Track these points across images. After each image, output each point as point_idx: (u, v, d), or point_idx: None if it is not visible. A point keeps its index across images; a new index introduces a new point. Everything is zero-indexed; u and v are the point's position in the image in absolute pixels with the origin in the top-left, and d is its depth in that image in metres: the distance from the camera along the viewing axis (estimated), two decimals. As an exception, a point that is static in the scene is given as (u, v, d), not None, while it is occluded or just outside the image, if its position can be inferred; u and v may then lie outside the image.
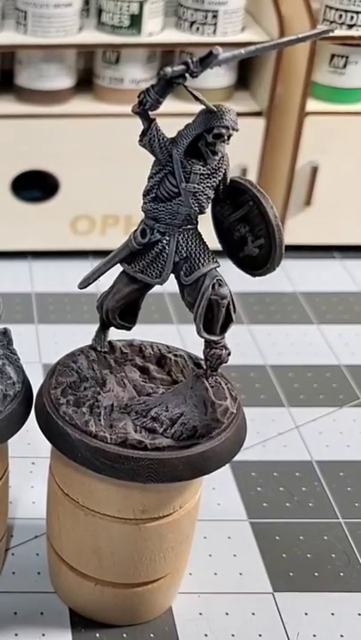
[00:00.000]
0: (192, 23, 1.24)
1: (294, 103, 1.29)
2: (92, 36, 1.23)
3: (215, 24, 1.23)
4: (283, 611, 0.83)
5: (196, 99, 0.61)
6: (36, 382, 1.07)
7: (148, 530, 0.73)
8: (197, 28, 1.24)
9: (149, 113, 0.63)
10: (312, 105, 1.29)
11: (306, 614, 0.82)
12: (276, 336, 1.23)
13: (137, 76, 1.26)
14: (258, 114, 1.29)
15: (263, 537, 0.91)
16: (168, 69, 0.58)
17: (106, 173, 1.28)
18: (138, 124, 1.31)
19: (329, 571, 0.87)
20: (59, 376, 0.74)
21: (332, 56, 1.29)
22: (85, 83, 1.30)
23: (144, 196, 0.67)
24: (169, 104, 1.29)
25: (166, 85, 0.60)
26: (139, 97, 0.62)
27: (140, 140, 0.64)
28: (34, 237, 1.32)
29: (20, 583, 0.83)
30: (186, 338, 1.18)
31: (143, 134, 0.64)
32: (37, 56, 1.23)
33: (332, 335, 1.24)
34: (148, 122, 0.63)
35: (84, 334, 1.21)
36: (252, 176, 1.31)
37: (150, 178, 0.66)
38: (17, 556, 0.86)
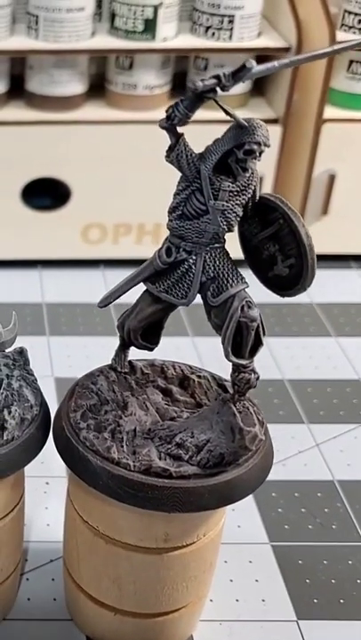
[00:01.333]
0: (208, 28, 1.21)
1: (311, 110, 1.26)
2: (106, 41, 1.20)
3: (231, 29, 1.20)
4: (307, 640, 0.80)
5: (227, 113, 0.58)
6: (49, 397, 1.04)
7: (170, 559, 0.70)
8: (213, 34, 1.21)
9: (177, 128, 0.59)
10: (330, 112, 1.26)
11: (331, 644, 0.80)
12: (294, 349, 1.20)
13: (151, 81, 1.23)
14: (274, 121, 1.27)
15: (285, 561, 0.88)
16: (199, 83, 0.55)
17: (118, 181, 1.25)
18: (152, 132, 1.28)
19: (355, 597, 0.84)
20: (78, 398, 0.71)
21: (351, 62, 1.26)
22: (97, 88, 1.27)
23: (170, 213, 0.64)
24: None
25: (196, 100, 0.57)
26: (167, 111, 0.59)
27: (167, 156, 0.61)
28: (44, 246, 1.29)
29: (36, 610, 0.81)
30: (202, 351, 1.15)
31: (170, 150, 0.61)
32: (49, 61, 1.20)
33: (351, 348, 1.21)
34: (176, 137, 0.60)
35: (96, 347, 1.20)
36: (268, 184, 1.28)
37: (177, 194, 0.63)
38: (32, 582, 0.83)
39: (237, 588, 0.85)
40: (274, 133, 1.26)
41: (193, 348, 1.17)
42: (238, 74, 0.55)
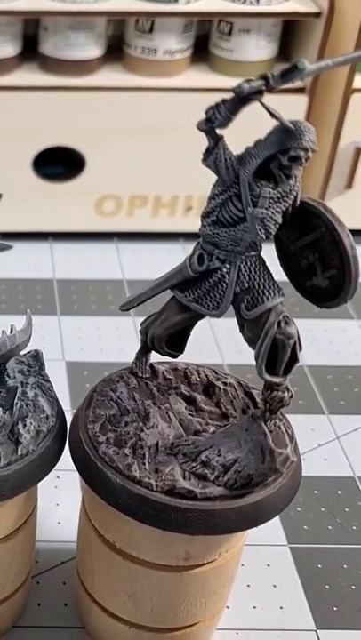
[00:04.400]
0: (233, -10, 1.14)
1: (340, 79, 1.19)
2: (125, 3, 1.13)
3: (258, -8, 1.13)
4: (327, 651, 0.77)
5: (273, 115, 0.53)
6: (60, 382, 1.01)
7: (190, 576, 0.67)
8: (239, -4, 1.14)
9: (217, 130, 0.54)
10: (360, 81, 1.20)
11: (352, 657, 0.77)
12: (315, 332, 1.15)
13: (172, 46, 1.17)
14: (300, 90, 1.20)
15: (304, 565, 0.85)
16: (245, 86, 0.50)
17: (135, 151, 1.20)
18: (172, 99, 1.22)
19: (376, 606, 0.81)
20: (97, 407, 0.66)
21: (384, 28, 1.19)
22: (114, 51, 1.21)
23: (203, 217, 0.59)
24: (204, 78, 1.21)
25: (240, 102, 0.52)
26: (207, 113, 0.53)
27: (205, 160, 0.56)
28: (56, 218, 1.24)
29: (47, 617, 0.77)
30: (218, 335, 1.11)
31: (208, 153, 0.56)
32: (65, 23, 1.13)
33: (373, 331, 1.17)
34: (215, 140, 0.55)
35: (109, 328, 1.15)
36: (291, 157, 1.22)
37: (211, 199, 0.58)
38: (42, 585, 0.80)
39: (255, 593, 0.82)
40: (300, 103, 1.20)
41: (209, 329, 1.12)
42: (288, 75, 0.50)
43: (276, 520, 0.89)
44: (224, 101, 0.53)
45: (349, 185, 1.26)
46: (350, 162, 1.24)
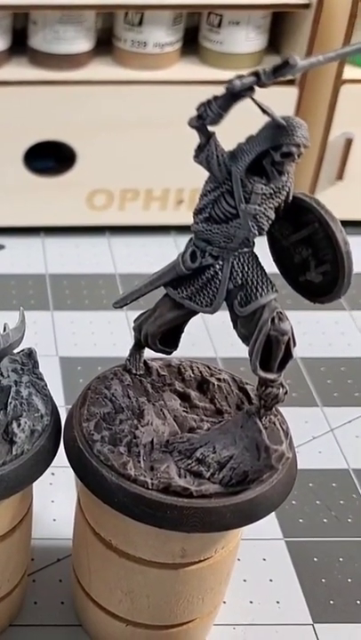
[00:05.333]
0: (222, -18, 1.13)
1: (330, 70, 1.19)
2: (114, -5, 1.13)
3: (248, -17, 1.13)
4: (324, 645, 0.77)
5: (264, 111, 0.52)
6: (54, 378, 1.01)
7: (187, 574, 0.67)
8: (228, -12, 1.13)
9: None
10: (350, 72, 1.20)
11: (350, 651, 0.77)
12: (307, 324, 1.15)
13: (161, 39, 1.16)
14: (290, 82, 1.20)
15: (300, 559, 0.85)
16: (237, 82, 0.50)
17: (125, 144, 1.19)
18: (161, 92, 1.21)
19: (372, 599, 0.81)
20: (91, 405, 0.66)
21: (374, 19, 1.19)
22: (104, 44, 1.20)
23: (195, 214, 0.59)
24: (194, 71, 1.20)
25: (231, 98, 0.51)
26: (198, 110, 0.53)
27: (196, 156, 0.56)
28: (47, 212, 1.23)
29: (43, 615, 0.77)
30: (210, 325, 1.11)
31: (200, 149, 0.55)
32: (54, 17, 1.13)
33: (365, 323, 1.16)
34: (207, 136, 0.55)
35: (102, 322, 1.15)
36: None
37: (204, 196, 0.57)
38: (38, 583, 0.80)
39: (251, 588, 0.82)
40: (290, 95, 1.20)
41: (202, 322, 1.12)
42: (280, 71, 0.49)
43: (272, 514, 0.87)
44: (215, 98, 0.52)
45: (340, 176, 1.26)
46: (341, 153, 1.24)
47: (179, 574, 0.67)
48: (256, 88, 0.51)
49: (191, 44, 1.22)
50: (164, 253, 1.22)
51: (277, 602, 0.81)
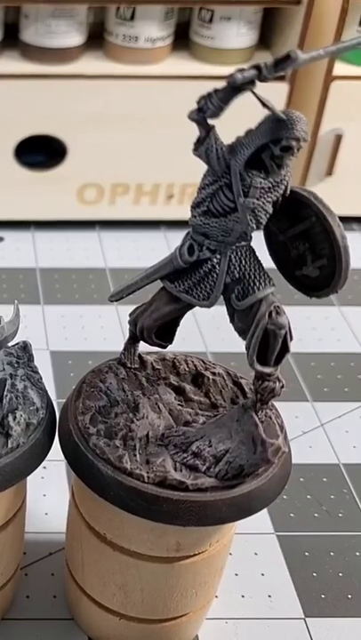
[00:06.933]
0: (214, -23, 1.13)
1: (320, 66, 1.19)
2: (107, -11, 1.13)
3: (240, -22, 1.13)
4: (316, 639, 0.78)
5: (264, 105, 0.52)
6: (46, 372, 1.00)
7: (181, 567, 0.67)
8: (220, -17, 1.13)
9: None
10: (340, 68, 1.20)
11: (341, 644, 0.77)
12: (297, 320, 1.15)
13: (153, 34, 1.16)
14: (281, 78, 1.19)
15: (291, 553, 0.85)
16: (238, 75, 0.50)
17: (116, 139, 1.19)
18: (153, 87, 1.21)
19: (363, 593, 0.82)
20: (86, 399, 0.66)
21: (364, 16, 1.19)
22: (95, 38, 1.20)
23: (193, 208, 0.59)
24: (185, 66, 1.20)
25: (232, 92, 0.51)
26: (198, 103, 0.53)
27: (196, 150, 0.56)
28: (38, 206, 1.23)
29: (35, 609, 0.77)
30: (200, 320, 1.11)
31: (199, 143, 0.55)
32: (46, 11, 1.12)
33: (354, 318, 1.17)
34: (206, 130, 0.54)
35: (93, 316, 1.15)
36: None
37: (202, 189, 0.57)
38: (30, 577, 0.79)
39: (243, 582, 0.82)
40: (280, 91, 1.20)
41: (192, 316, 1.12)
42: (281, 64, 0.49)
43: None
44: (216, 91, 0.52)
45: (330, 172, 1.26)
46: (331, 149, 1.25)
47: (173, 568, 0.67)
48: (257, 82, 0.51)
49: (182, 40, 1.21)
50: (154, 248, 1.22)
51: (269, 596, 0.81)
